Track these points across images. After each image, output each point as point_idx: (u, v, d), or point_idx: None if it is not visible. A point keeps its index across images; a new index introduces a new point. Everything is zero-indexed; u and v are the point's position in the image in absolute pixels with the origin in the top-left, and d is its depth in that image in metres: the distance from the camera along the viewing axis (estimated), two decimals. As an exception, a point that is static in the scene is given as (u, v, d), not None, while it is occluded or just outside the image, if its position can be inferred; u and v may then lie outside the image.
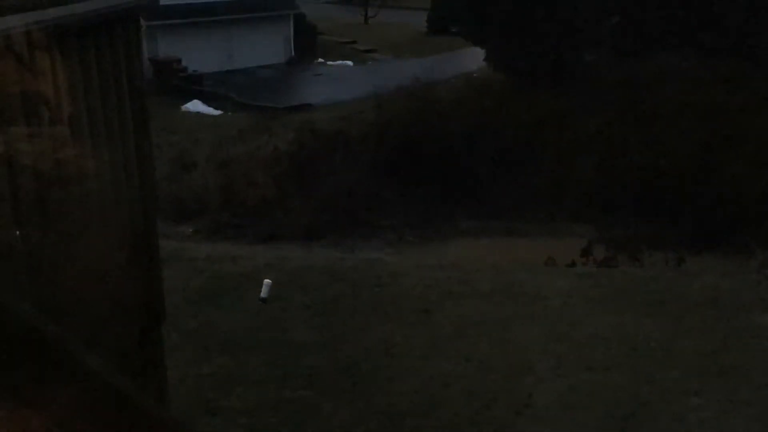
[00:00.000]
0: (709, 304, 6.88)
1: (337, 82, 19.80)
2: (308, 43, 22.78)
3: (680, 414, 5.36)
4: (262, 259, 8.26)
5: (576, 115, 11.31)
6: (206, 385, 5.79)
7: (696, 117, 9.97)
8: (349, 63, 22.47)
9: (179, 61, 19.33)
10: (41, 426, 1.21)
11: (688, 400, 5.48)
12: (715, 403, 5.45)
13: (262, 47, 21.97)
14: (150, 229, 4.62)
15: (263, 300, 7.24)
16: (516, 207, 10.44)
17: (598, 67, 12.24)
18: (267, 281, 7.34)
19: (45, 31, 2.96)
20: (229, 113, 17.39)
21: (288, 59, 22.42)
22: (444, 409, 5.50)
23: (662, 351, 6.15)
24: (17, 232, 3.29)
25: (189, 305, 6.94)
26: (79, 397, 1.33)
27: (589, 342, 6.30)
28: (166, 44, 19.44)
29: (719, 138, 9.58)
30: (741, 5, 11.07)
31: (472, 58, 17.37)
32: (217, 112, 17.61)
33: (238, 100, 18.21)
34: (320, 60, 22.71)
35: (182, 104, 17.82)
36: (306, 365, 6.07)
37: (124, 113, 3.99)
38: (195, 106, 17.88)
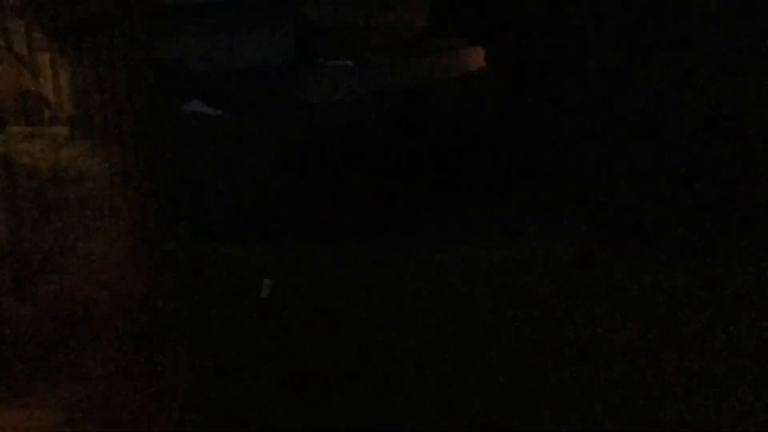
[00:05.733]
0: (711, 306, 6.88)
1: (337, 82, 19.84)
2: (309, 43, 22.81)
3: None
4: (263, 259, 8.26)
5: (576, 114, 11.30)
6: (205, 385, 5.79)
7: (698, 115, 9.95)
8: (349, 63, 22.49)
9: (179, 60, 19.31)
10: None
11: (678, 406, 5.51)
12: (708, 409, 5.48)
13: (263, 47, 21.97)
14: (151, 229, 4.63)
15: (263, 300, 7.27)
16: (516, 206, 10.42)
17: (600, 66, 12.22)
18: (267, 281, 7.39)
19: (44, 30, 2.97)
20: (230, 113, 17.39)
21: (288, 59, 22.42)
22: (439, 410, 5.53)
23: (658, 353, 6.17)
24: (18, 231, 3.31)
25: (189, 305, 6.94)
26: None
27: (589, 343, 6.30)
28: (166, 44, 19.45)
29: (721, 137, 9.57)
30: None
31: (473, 58, 17.41)
32: (218, 112, 17.59)
33: (239, 100, 18.21)
34: (320, 60, 22.72)
35: (182, 104, 17.81)
36: (304, 366, 6.08)
37: (124, 113, 4.00)
38: (195, 106, 17.85)
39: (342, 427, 5.53)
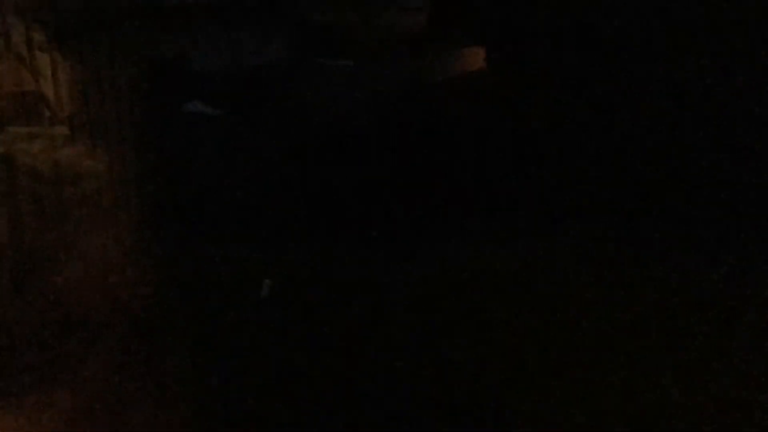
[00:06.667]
0: (716, 309, 6.89)
1: (338, 82, 19.88)
2: (309, 43, 22.88)
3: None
4: (263, 259, 8.26)
5: (576, 114, 11.29)
6: (205, 385, 5.80)
7: (700, 117, 9.95)
8: (350, 63, 22.53)
9: (179, 60, 19.35)
10: None
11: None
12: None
13: (263, 46, 22.05)
14: (151, 230, 4.63)
15: (263, 299, 7.30)
16: (515, 205, 10.42)
17: (600, 67, 12.21)
18: (267, 281, 7.42)
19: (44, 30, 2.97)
20: (230, 113, 17.43)
21: (289, 58, 22.47)
22: (443, 410, 5.54)
23: (665, 352, 6.17)
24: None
25: (189, 305, 6.94)
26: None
27: (595, 343, 6.31)
28: (166, 43, 19.48)
29: (723, 134, 9.56)
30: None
31: (473, 58, 17.46)
32: (218, 112, 17.60)
33: (239, 100, 18.23)
34: (321, 59, 22.77)
35: (182, 104, 17.82)
36: (305, 366, 6.09)
37: (124, 113, 3.99)
38: (195, 106, 17.85)
39: (343, 428, 5.54)
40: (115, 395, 5.15)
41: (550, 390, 5.75)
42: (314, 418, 5.57)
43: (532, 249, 8.73)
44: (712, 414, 5.47)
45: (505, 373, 5.92)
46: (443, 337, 6.45)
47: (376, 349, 6.31)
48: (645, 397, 5.64)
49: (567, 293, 7.21)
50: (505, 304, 6.98)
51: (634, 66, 11.63)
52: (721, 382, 5.72)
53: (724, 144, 9.67)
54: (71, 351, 4.98)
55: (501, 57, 13.48)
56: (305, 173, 11.51)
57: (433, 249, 9.23)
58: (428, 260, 8.44)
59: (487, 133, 11.45)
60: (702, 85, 10.59)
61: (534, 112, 11.78)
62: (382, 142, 11.85)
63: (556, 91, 11.88)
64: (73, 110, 3.41)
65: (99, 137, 3.75)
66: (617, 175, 9.98)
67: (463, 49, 17.21)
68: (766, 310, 6.67)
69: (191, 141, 13.24)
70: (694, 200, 9.03)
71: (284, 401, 5.72)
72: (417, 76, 13.33)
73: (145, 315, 4.54)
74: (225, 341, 6.37)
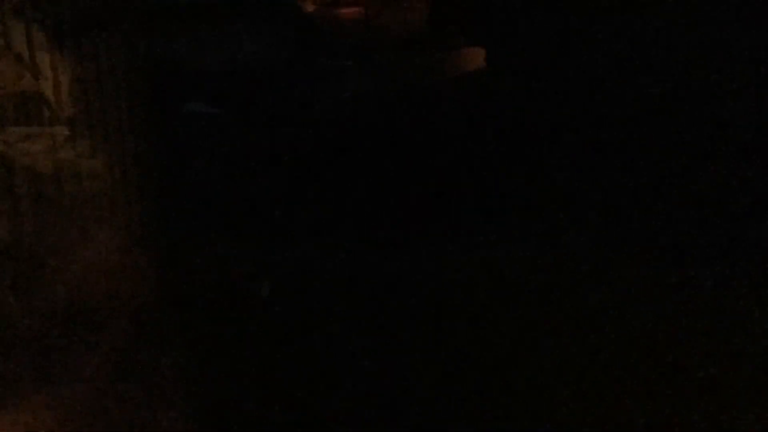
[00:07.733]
0: (720, 312, 6.90)
1: (337, 82, 19.95)
2: (309, 42, 22.94)
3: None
4: (262, 258, 8.28)
5: (578, 114, 11.32)
6: (205, 385, 5.82)
7: (700, 117, 9.98)
8: (349, 63, 22.59)
9: (179, 60, 19.40)
10: None
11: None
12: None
13: (263, 46, 22.12)
14: (151, 229, 4.65)
15: (263, 298, 7.33)
16: (517, 207, 10.45)
17: (602, 67, 12.24)
18: (267, 281, 7.45)
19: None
20: (230, 113, 17.48)
21: (288, 58, 22.53)
22: (441, 411, 5.58)
23: (657, 354, 6.19)
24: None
25: (189, 305, 6.95)
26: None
27: (590, 343, 6.33)
28: (165, 44, 19.53)
29: (725, 136, 9.59)
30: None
31: (473, 59, 17.53)
32: (218, 112, 17.65)
33: (238, 100, 18.28)
34: (321, 59, 22.82)
35: (182, 104, 17.87)
36: (305, 367, 6.12)
37: (124, 113, 4.01)
38: (195, 106, 17.88)
39: (343, 427, 5.56)
40: (115, 395, 5.17)
41: (551, 392, 5.78)
42: (314, 418, 5.59)
43: (535, 251, 8.75)
44: (712, 416, 5.49)
45: (508, 375, 5.94)
46: (444, 337, 6.47)
47: (378, 350, 6.33)
48: (646, 402, 5.66)
49: (572, 295, 7.22)
50: (509, 307, 7.00)
51: (636, 66, 11.67)
52: (722, 383, 5.74)
53: (725, 146, 9.70)
54: (71, 351, 4.99)
55: (501, 57, 13.52)
56: (305, 173, 11.53)
57: (434, 250, 9.26)
58: (428, 262, 8.45)
59: (487, 133, 11.48)
60: (705, 86, 10.62)
61: (535, 113, 11.81)
62: (382, 143, 11.88)
63: (557, 91, 11.91)
64: (74, 110, 3.43)
65: (99, 137, 3.77)
66: (621, 176, 10.01)
67: (463, 49, 17.25)
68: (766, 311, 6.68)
69: (191, 141, 13.25)
70: (698, 203, 9.06)
71: (284, 401, 5.74)
72: (417, 76, 13.36)
73: (145, 315, 4.55)
74: (225, 341, 6.39)
